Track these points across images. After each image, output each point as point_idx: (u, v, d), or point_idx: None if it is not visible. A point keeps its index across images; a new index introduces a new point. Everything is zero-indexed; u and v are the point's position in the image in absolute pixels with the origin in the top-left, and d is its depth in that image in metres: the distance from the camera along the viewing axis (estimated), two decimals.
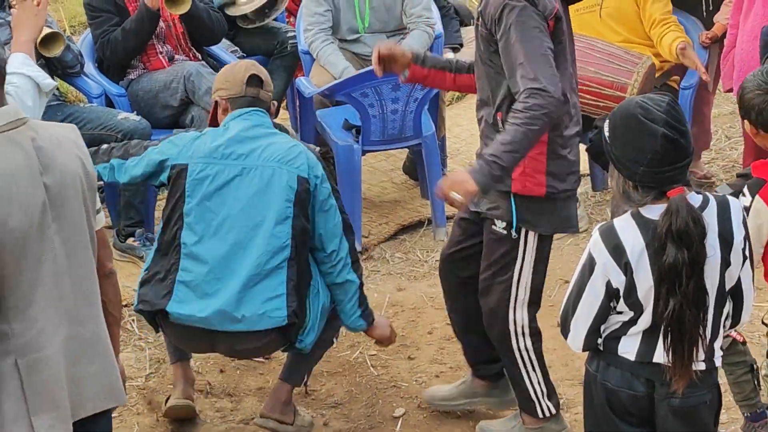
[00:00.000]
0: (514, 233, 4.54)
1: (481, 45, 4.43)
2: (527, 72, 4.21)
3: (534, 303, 4.73)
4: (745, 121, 4.12)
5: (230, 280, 4.73)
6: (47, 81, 4.22)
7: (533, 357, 4.73)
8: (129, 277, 6.24)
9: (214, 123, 5.00)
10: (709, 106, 6.96)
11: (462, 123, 8.15)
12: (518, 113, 4.23)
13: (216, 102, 4.99)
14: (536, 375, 4.75)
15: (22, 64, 4.14)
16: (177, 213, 4.81)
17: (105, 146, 5.12)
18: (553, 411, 4.83)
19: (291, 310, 4.67)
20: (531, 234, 4.57)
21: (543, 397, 4.77)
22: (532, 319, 4.73)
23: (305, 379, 5.15)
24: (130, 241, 6.44)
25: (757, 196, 4.00)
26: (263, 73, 4.99)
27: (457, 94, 8.38)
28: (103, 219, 3.45)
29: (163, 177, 4.88)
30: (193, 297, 4.74)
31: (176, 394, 5.05)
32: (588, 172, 6.92)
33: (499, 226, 4.56)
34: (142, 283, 4.85)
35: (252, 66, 5.01)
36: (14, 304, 3.17)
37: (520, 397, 4.82)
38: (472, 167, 4.33)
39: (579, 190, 6.57)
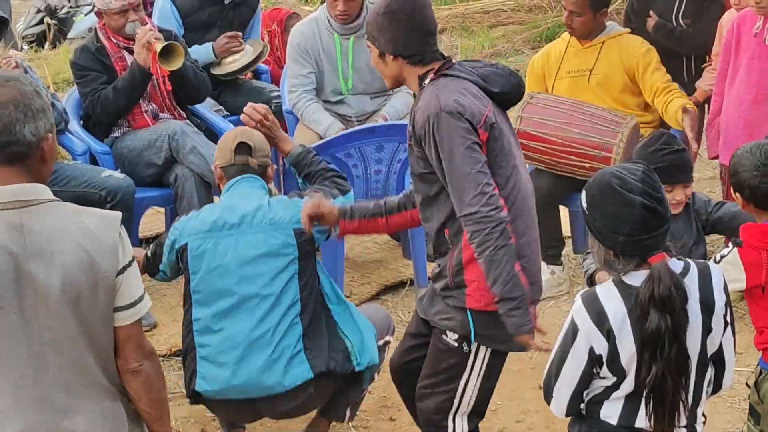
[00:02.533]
0: (466, 347, 4.35)
1: (414, 163, 4.31)
2: (458, 198, 4.12)
3: (477, 413, 4.53)
4: (737, 193, 4.24)
5: (248, 349, 4.76)
6: None
7: None
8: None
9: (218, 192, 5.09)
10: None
11: None
12: (473, 245, 4.15)
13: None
14: None
15: None
16: (187, 292, 4.87)
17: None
18: None
19: (314, 363, 4.72)
20: (484, 349, 4.36)
21: None
22: (473, 429, 4.52)
23: (349, 415, 5.15)
24: None
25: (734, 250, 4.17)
26: (254, 139, 5.00)
27: None
28: (135, 315, 3.37)
29: (171, 258, 4.93)
30: (216, 370, 4.77)
31: None
32: (570, 234, 6.97)
33: (451, 337, 4.36)
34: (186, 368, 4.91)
35: (241, 134, 5.02)
36: None
37: None
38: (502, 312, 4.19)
39: (563, 252, 6.69)
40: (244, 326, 4.77)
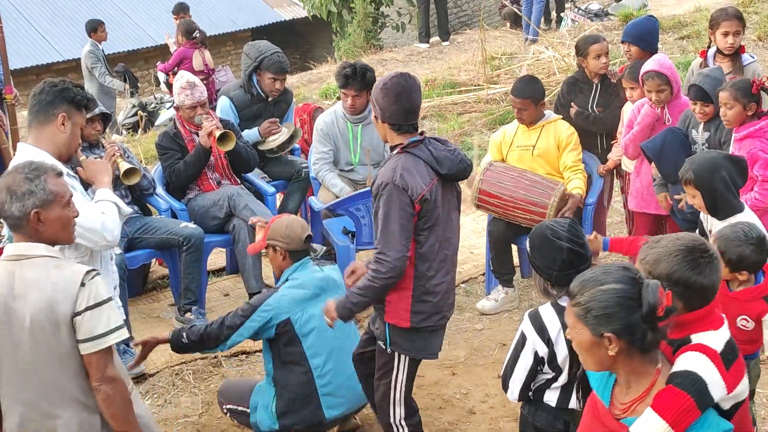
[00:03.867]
0: (389, 350, 4.30)
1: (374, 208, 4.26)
2: (379, 242, 4.10)
3: (407, 404, 4.43)
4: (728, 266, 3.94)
5: (351, 379, 4.71)
6: (126, 208, 4.32)
7: None
8: None
9: (276, 262, 4.81)
10: (604, 217, 7.01)
11: None
12: (369, 271, 4.14)
13: (275, 248, 4.76)
14: None
15: (108, 195, 4.23)
16: (296, 351, 4.65)
17: (199, 328, 4.64)
18: None
19: None
20: (401, 355, 4.32)
21: None
22: (408, 415, 4.43)
23: None
24: (188, 315, 6.42)
25: None
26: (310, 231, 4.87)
27: None
28: (94, 347, 3.29)
29: (270, 333, 4.64)
30: (335, 402, 4.72)
31: None
32: (518, 264, 6.92)
33: (380, 341, 4.34)
34: (284, 412, 4.67)
35: (307, 227, 4.84)
36: None
37: None
38: (340, 299, 4.26)
39: (515, 277, 6.64)
40: (344, 366, 4.70)
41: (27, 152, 4.11)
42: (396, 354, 4.31)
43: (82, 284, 3.27)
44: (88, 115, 5.66)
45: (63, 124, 4.11)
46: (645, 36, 6.54)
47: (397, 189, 4.06)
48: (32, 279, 3.29)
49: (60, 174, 3.47)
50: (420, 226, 4.16)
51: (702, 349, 2.85)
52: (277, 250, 4.76)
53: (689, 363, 2.80)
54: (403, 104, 4.17)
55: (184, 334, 4.65)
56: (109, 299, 3.36)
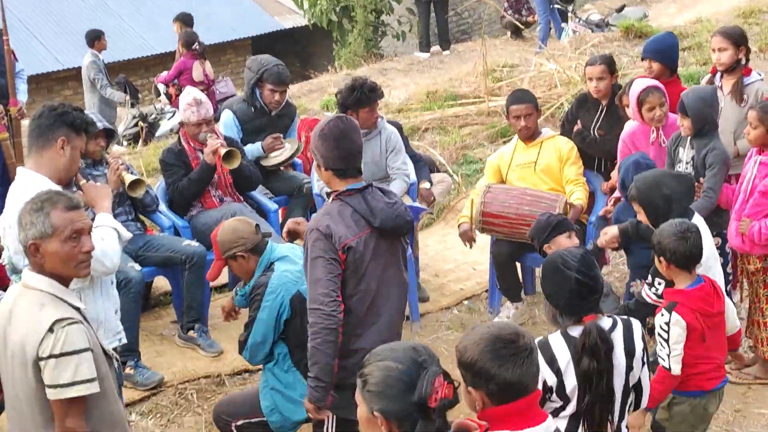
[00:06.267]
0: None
1: None
2: (311, 293, 4.02)
3: None
4: (660, 257, 4.21)
5: None
6: (125, 233, 4.32)
7: None
8: (190, 360, 6.23)
9: (245, 267, 4.76)
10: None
11: (429, 244, 8.12)
12: (309, 332, 4.01)
13: (235, 256, 4.73)
14: None
15: (108, 220, 4.23)
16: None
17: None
18: None
19: None
20: (331, 414, 4.16)
21: None
22: None
23: None
24: (190, 333, 6.40)
25: (673, 312, 4.11)
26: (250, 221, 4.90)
27: (425, 221, 8.42)
28: (56, 395, 3.21)
29: (286, 317, 4.60)
30: None
31: None
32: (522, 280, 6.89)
33: None
34: None
35: (246, 219, 4.93)
36: None
37: None
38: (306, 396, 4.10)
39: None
40: None
41: (25, 177, 4.11)
42: (328, 413, 4.15)
43: (51, 330, 3.19)
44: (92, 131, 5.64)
45: (62, 148, 4.10)
46: (667, 52, 6.57)
47: (321, 235, 3.99)
48: (19, 313, 3.28)
49: (75, 207, 3.39)
50: (346, 276, 4.04)
51: None
52: (238, 257, 4.72)
53: None
54: (343, 148, 4.06)
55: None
56: (84, 350, 3.23)
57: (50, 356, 3.18)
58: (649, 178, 4.72)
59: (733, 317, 4.45)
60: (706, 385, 4.27)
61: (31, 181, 3.99)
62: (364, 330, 4.11)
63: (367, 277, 4.08)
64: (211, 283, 6.90)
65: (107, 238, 4.12)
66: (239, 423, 4.83)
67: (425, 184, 7.15)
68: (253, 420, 4.79)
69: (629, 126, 6.15)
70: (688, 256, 4.16)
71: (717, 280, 4.43)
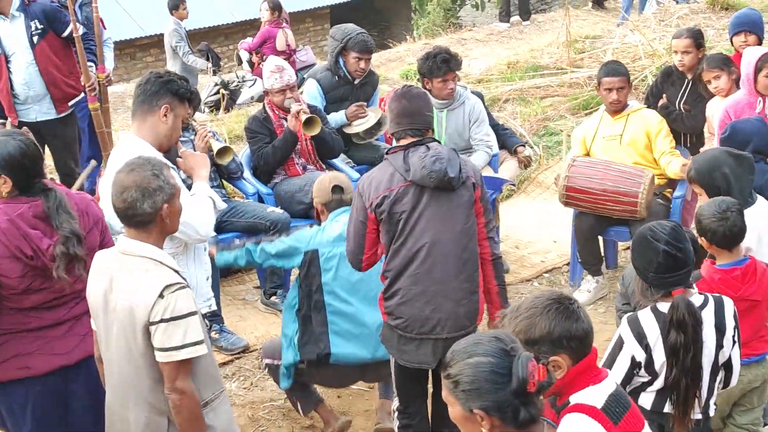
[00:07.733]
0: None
1: None
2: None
3: (402, 412, 4.51)
4: (701, 237, 4.08)
5: (365, 328, 4.78)
6: (221, 203, 4.38)
7: None
8: (272, 325, 6.32)
9: (319, 219, 5.09)
10: (691, 212, 6.90)
11: (510, 216, 8.08)
12: None
13: (316, 208, 5.07)
14: None
15: (205, 189, 4.29)
16: (315, 285, 4.78)
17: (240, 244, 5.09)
18: None
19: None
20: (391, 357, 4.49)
21: None
22: (403, 425, 4.53)
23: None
24: (273, 298, 6.50)
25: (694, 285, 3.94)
26: (343, 182, 5.04)
27: (506, 193, 8.39)
28: (166, 358, 3.30)
29: (297, 261, 4.84)
30: (344, 342, 4.78)
31: (338, 424, 5.05)
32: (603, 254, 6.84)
33: None
34: (303, 344, 4.82)
35: (334, 178, 5.06)
36: None
37: None
38: None
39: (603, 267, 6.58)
40: (365, 312, 4.77)
41: (127, 141, 4.19)
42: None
43: (161, 296, 3.27)
44: (196, 101, 5.75)
45: (165, 115, 4.17)
46: (759, 24, 6.52)
47: (357, 193, 4.27)
48: (125, 278, 3.35)
49: (169, 167, 3.54)
50: (385, 229, 4.23)
51: (581, 408, 2.75)
52: (317, 208, 5.01)
53: (569, 427, 2.70)
54: (401, 108, 4.23)
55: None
56: (191, 314, 3.32)
57: (161, 320, 3.26)
58: (708, 158, 4.55)
59: None
60: None
61: (133, 145, 4.08)
62: (403, 281, 4.22)
63: (409, 225, 4.17)
64: None
65: (204, 205, 4.19)
66: (266, 362, 5.14)
67: (523, 150, 7.15)
68: (274, 363, 5.04)
69: (734, 96, 5.98)
70: (727, 236, 3.99)
71: None
